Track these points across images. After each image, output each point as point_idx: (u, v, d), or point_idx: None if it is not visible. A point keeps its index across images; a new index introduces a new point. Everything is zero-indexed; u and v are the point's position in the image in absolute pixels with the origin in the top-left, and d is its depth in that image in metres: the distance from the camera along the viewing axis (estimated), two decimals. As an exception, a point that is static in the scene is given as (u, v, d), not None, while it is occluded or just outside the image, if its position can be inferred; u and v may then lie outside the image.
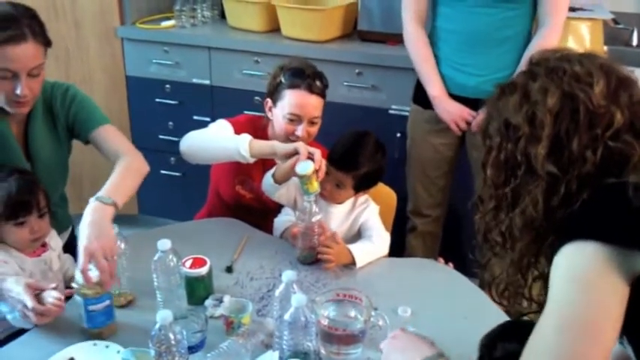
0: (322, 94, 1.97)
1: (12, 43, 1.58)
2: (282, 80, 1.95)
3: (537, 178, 1.05)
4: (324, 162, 1.76)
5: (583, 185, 1.02)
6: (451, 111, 2.26)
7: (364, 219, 1.91)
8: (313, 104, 1.94)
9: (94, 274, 1.45)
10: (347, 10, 2.91)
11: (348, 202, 1.92)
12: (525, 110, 1.06)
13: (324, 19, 2.84)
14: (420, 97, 2.36)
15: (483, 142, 1.16)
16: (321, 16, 2.83)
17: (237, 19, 3.07)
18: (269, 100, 2.01)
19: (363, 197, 1.94)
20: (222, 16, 3.21)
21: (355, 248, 1.79)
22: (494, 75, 2.18)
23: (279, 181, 1.82)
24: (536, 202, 1.05)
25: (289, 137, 1.95)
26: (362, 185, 1.88)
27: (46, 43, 1.67)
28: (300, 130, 1.93)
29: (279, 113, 1.96)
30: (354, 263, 1.78)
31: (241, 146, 1.79)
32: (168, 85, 3.09)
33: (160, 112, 3.14)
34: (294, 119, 1.93)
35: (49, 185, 1.81)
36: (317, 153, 1.73)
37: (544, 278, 1.07)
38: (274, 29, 2.97)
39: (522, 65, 2.08)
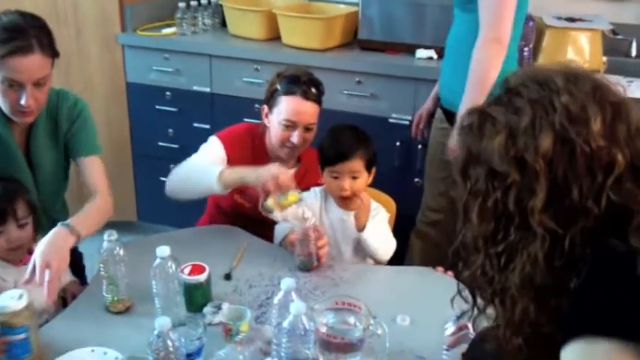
0: (318, 100, 1.98)
1: (19, 54, 1.58)
2: (278, 87, 1.97)
3: (534, 234, 0.91)
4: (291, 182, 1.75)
5: (587, 242, 0.90)
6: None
7: (374, 224, 1.91)
8: (308, 111, 1.95)
9: (21, 301, 1.36)
10: (347, 18, 2.92)
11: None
12: (513, 155, 0.92)
13: (325, 27, 2.85)
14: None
15: (462, 181, 1.01)
16: (321, 25, 2.84)
17: (237, 27, 3.08)
18: (265, 107, 2.02)
19: (374, 204, 1.96)
20: (223, 24, 3.22)
21: (370, 224, 1.86)
22: (458, 86, 2.07)
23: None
24: (535, 261, 0.92)
25: (285, 144, 1.96)
26: (371, 162, 1.91)
27: (54, 54, 1.68)
28: (295, 137, 1.94)
29: (274, 120, 1.97)
30: (361, 229, 1.85)
31: (213, 181, 1.79)
32: (168, 92, 3.09)
33: (160, 119, 3.14)
34: (290, 125, 1.94)
35: (50, 193, 1.82)
36: (283, 175, 1.72)
37: (546, 341, 0.94)
38: (275, 37, 2.98)
39: (474, 84, 1.97)
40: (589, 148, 0.89)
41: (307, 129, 1.96)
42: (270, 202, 1.71)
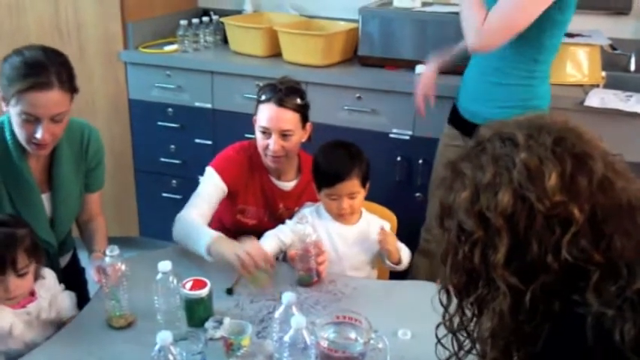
0: (296, 109, 1.97)
1: (37, 90, 1.60)
2: (259, 97, 2.00)
3: (498, 289, 0.93)
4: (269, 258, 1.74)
5: (549, 298, 0.91)
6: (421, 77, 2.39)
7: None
8: (282, 117, 1.95)
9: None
10: (347, 35, 2.94)
11: (361, 223, 1.95)
12: (477, 211, 0.94)
13: (325, 44, 2.87)
14: (455, 118, 2.37)
15: (441, 232, 1.03)
16: (322, 42, 2.86)
17: (239, 44, 3.10)
18: (255, 118, 2.04)
19: (377, 221, 1.96)
20: (225, 41, 3.24)
21: (402, 249, 1.92)
22: (488, 103, 2.18)
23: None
24: (501, 315, 0.94)
25: (265, 152, 1.98)
26: (366, 177, 1.91)
27: (73, 90, 1.70)
28: (271, 144, 1.95)
29: (256, 128, 2.01)
30: (398, 263, 1.91)
31: (200, 249, 1.80)
32: (170, 109, 3.11)
33: (162, 135, 3.16)
34: (265, 132, 1.96)
35: (66, 217, 1.87)
36: (255, 251, 1.71)
37: None
38: (276, 54, 3.01)
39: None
40: (545, 205, 0.89)
41: (284, 135, 1.96)
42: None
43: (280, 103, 1.95)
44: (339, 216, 1.91)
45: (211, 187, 2.00)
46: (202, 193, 2.00)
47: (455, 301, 1.06)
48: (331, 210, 1.91)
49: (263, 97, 1.98)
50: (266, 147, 1.97)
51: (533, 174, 0.91)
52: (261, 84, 2.85)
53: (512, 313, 0.93)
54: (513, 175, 0.91)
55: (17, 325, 1.54)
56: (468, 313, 1.01)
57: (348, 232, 1.93)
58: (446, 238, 1.01)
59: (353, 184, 1.86)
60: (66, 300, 1.69)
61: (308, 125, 2.04)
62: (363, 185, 1.90)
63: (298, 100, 1.98)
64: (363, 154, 1.92)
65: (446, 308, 1.08)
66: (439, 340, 1.12)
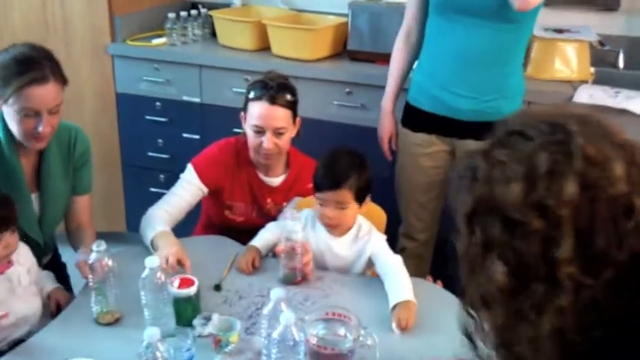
0: (287, 105, 1.97)
1: (35, 84, 1.66)
2: (249, 94, 1.98)
3: (560, 287, 0.85)
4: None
5: (614, 294, 0.85)
6: (382, 126, 2.38)
7: (372, 250, 1.84)
8: (275, 115, 1.94)
9: None
10: (337, 29, 2.93)
11: (351, 233, 1.86)
12: (534, 202, 0.85)
13: (315, 38, 2.86)
14: (408, 120, 2.34)
15: (467, 232, 0.93)
16: (311, 36, 2.85)
17: (227, 37, 3.08)
18: (242, 114, 2.03)
19: (366, 226, 1.87)
20: (213, 34, 3.22)
21: (408, 292, 1.69)
22: (487, 96, 2.15)
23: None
24: (561, 314, 0.86)
25: (258, 150, 1.97)
26: (361, 193, 1.81)
27: (64, 81, 1.75)
28: (265, 142, 1.94)
29: (247, 126, 1.99)
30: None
31: (148, 244, 1.82)
32: (158, 103, 3.09)
33: (150, 129, 3.13)
34: (259, 130, 1.95)
35: (52, 216, 1.89)
36: (171, 257, 1.70)
37: None
38: (264, 48, 2.99)
39: None
40: (611, 193, 0.84)
41: (278, 133, 1.96)
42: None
43: (273, 101, 1.94)
44: (324, 224, 1.85)
45: (188, 185, 2.01)
46: (177, 191, 2.01)
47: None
48: (319, 216, 1.84)
49: (253, 95, 1.97)
50: (259, 145, 1.96)
51: (597, 162, 0.85)
52: (249, 78, 2.86)
53: (576, 312, 0.85)
54: (575, 163, 0.85)
55: (0, 291, 1.57)
56: (520, 318, 0.89)
57: (336, 244, 1.86)
58: (477, 239, 0.91)
59: (343, 195, 1.77)
60: (43, 273, 1.77)
61: (297, 120, 2.03)
62: (358, 199, 1.80)
63: (290, 97, 1.98)
64: (366, 169, 1.82)
65: (474, 309, 0.97)
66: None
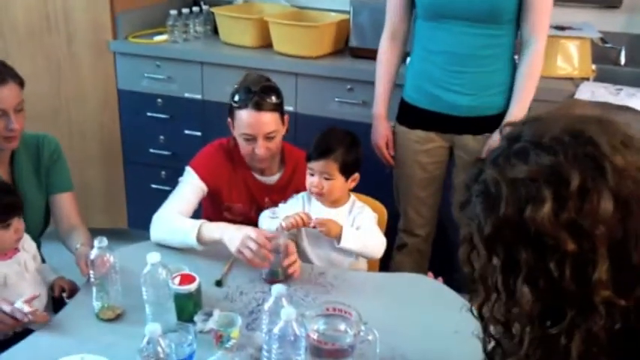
0: (274, 109, 1.95)
1: None
2: (233, 100, 1.97)
3: (594, 309, 0.80)
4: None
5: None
6: (377, 132, 2.37)
7: (359, 223, 1.93)
8: (264, 121, 1.92)
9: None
10: (338, 26, 2.93)
11: (346, 206, 1.96)
12: (565, 222, 0.79)
13: (316, 35, 2.86)
14: (405, 117, 2.35)
15: (487, 254, 0.87)
16: (313, 33, 2.85)
17: (229, 34, 3.08)
18: (230, 120, 2.02)
19: (360, 203, 1.97)
20: (215, 31, 3.22)
21: (347, 228, 1.87)
22: (485, 92, 2.18)
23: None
24: (596, 338, 0.81)
25: (251, 157, 1.96)
26: (347, 167, 1.90)
27: (22, 82, 1.88)
28: (257, 149, 1.94)
29: (237, 134, 1.98)
30: (339, 239, 1.85)
31: (194, 245, 1.81)
32: (159, 100, 3.09)
33: (152, 126, 3.14)
34: (249, 138, 1.94)
35: (33, 220, 1.90)
36: (259, 236, 1.70)
37: None
38: (266, 45, 2.99)
39: (516, 107, 2.13)
40: None
41: (268, 138, 1.94)
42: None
43: (259, 107, 1.91)
44: (311, 193, 1.94)
45: (190, 186, 2.00)
46: (181, 192, 2.00)
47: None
48: (307, 185, 1.94)
49: (237, 102, 1.94)
50: (252, 152, 1.95)
51: (629, 175, 0.80)
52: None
53: (609, 334, 0.81)
54: (609, 178, 0.79)
55: (10, 275, 1.65)
56: (550, 340, 0.84)
57: (325, 213, 1.92)
58: (500, 262, 0.85)
59: (328, 165, 1.87)
60: (43, 265, 1.84)
61: (286, 118, 2.03)
62: (344, 173, 1.90)
63: (275, 99, 1.95)
64: (355, 146, 1.93)
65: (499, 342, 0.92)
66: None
